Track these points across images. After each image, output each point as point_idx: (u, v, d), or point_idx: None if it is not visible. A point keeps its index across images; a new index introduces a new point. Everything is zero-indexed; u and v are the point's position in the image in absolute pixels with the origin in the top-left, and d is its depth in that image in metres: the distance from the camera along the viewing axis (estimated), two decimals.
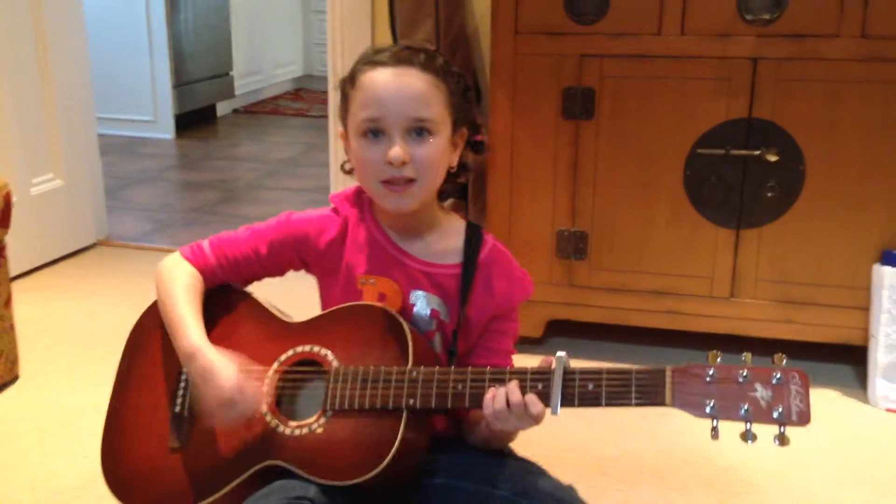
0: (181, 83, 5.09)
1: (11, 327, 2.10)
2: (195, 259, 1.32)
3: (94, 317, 2.51)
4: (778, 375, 1.05)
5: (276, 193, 3.98)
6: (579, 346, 2.30)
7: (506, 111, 2.14)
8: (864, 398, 2.07)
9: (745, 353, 1.08)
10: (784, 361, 1.06)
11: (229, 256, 1.32)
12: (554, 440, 1.88)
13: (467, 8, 2.64)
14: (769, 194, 2.06)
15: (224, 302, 1.33)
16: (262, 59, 6.15)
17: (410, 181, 1.20)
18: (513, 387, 1.12)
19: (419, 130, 1.19)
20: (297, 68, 6.73)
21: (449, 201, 2.53)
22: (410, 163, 1.19)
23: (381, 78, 1.20)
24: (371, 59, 1.22)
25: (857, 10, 1.92)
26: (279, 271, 1.35)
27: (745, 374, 1.05)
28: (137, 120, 5.05)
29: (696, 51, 2.02)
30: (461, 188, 2.53)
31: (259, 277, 1.36)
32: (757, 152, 2.03)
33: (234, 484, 1.20)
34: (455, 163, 1.28)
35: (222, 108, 5.75)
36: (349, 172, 1.30)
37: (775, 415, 1.04)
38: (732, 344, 2.24)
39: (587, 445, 1.88)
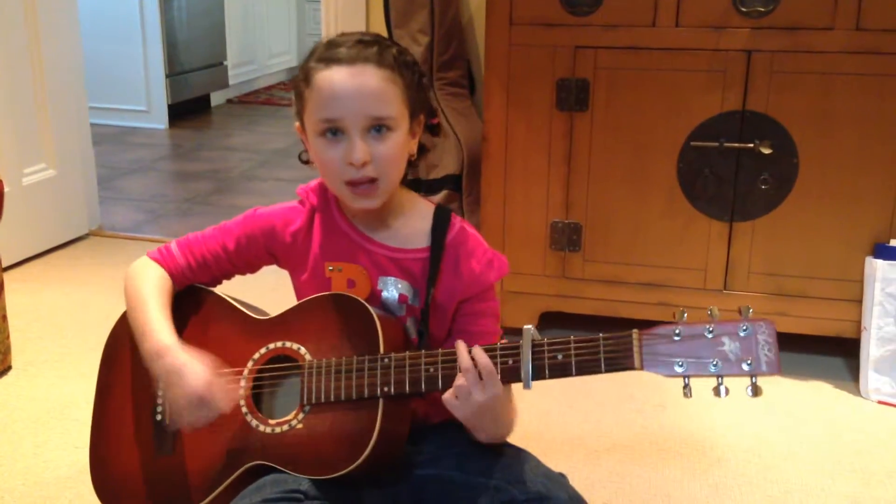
0: (174, 73, 5.08)
1: (4, 318, 2.09)
2: (164, 261, 1.31)
3: (87, 307, 2.50)
4: (745, 327, 1.04)
5: (270, 184, 3.97)
6: None
7: (500, 102, 2.13)
8: (856, 390, 2.08)
9: (711, 307, 1.08)
10: (750, 311, 1.05)
11: (198, 255, 1.31)
12: (547, 433, 1.89)
13: None
14: (763, 187, 2.06)
15: (192, 303, 1.32)
16: (256, 49, 6.14)
17: (373, 180, 1.19)
18: (463, 353, 1.12)
19: (378, 127, 1.18)
20: (291, 58, 6.72)
21: (443, 192, 2.54)
22: (371, 162, 1.18)
23: (337, 77, 1.18)
24: (324, 56, 1.20)
25: (851, 2, 1.92)
26: (250, 268, 1.34)
27: (711, 328, 1.05)
28: (130, 110, 5.03)
29: (691, 43, 2.02)
30: (455, 180, 2.54)
31: (230, 275, 1.35)
32: (750, 145, 2.04)
33: (221, 487, 1.20)
34: (415, 150, 1.27)
35: (216, 98, 5.73)
36: (307, 162, 1.29)
37: (745, 367, 1.04)
38: None
39: (581, 438, 1.88)
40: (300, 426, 1.18)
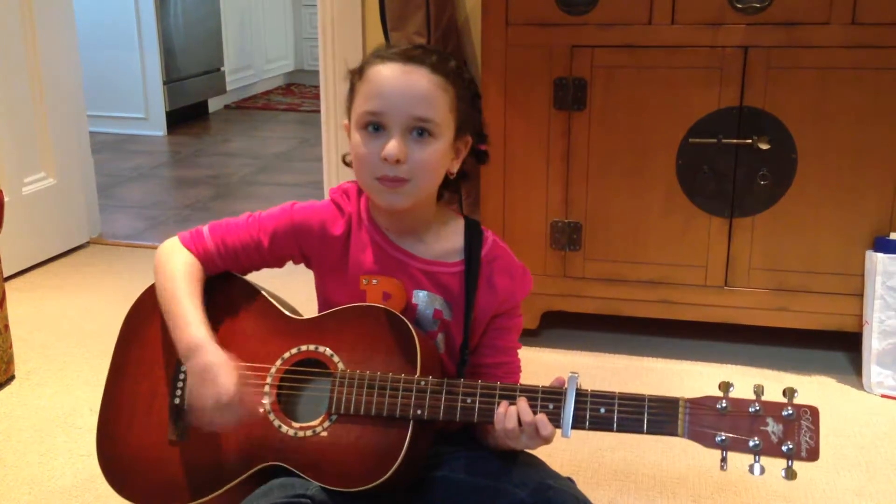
0: (172, 79, 5.08)
1: (6, 327, 2.09)
2: (194, 246, 1.29)
3: (89, 315, 2.50)
4: (790, 410, 1.06)
5: (270, 189, 3.97)
6: (575, 337, 2.31)
7: (497, 103, 2.13)
8: (859, 384, 2.08)
9: (756, 384, 1.08)
10: (795, 395, 1.07)
11: (229, 244, 1.29)
12: None
13: None
14: (762, 182, 2.06)
15: (228, 292, 1.30)
16: (254, 55, 6.14)
17: (403, 181, 1.18)
18: (524, 406, 1.12)
19: (420, 130, 1.17)
20: (289, 63, 6.72)
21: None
22: (406, 163, 1.17)
23: (388, 73, 1.18)
24: (382, 54, 1.21)
25: None
26: (278, 263, 1.32)
27: (757, 407, 1.06)
28: (129, 117, 5.03)
29: (687, 40, 2.02)
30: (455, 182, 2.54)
31: (258, 267, 1.33)
32: (749, 141, 2.04)
33: (232, 483, 1.19)
34: (455, 169, 1.25)
35: (214, 104, 5.73)
36: (349, 164, 1.27)
37: (784, 449, 1.05)
38: (727, 333, 2.25)
39: (584, 435, 1.87)
40: (324, 434, 1.16)
